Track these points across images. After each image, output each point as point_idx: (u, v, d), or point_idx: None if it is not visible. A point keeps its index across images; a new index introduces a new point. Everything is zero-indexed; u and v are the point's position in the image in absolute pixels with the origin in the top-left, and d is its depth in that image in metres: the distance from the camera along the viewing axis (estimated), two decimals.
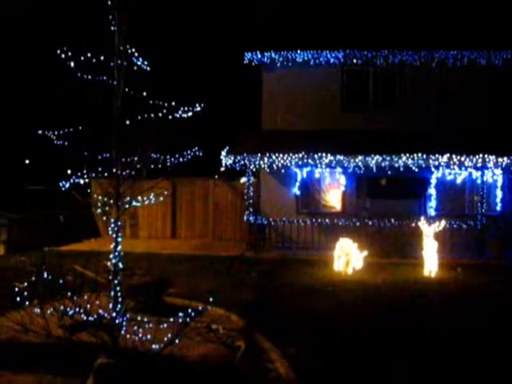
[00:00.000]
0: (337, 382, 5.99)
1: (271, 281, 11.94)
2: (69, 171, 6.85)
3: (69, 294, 6.04)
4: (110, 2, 6.79)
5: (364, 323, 8.46)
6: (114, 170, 6.84)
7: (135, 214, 19.71)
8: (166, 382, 5.41)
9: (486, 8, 17.72)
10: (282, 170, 16.44)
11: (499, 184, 17.07)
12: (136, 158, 6.92)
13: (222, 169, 16.03)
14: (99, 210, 6.91)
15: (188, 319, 5.82)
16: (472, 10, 17.62)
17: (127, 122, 6.97)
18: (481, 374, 6.29)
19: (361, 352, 6.96)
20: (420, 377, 6.17)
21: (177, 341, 5.78)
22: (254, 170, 16.59)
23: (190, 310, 5.81)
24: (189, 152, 7.48)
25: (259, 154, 15.57)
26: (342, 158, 15.38)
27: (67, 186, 6.84)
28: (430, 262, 12.65)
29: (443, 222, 13.12)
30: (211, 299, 6.24)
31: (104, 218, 7.16)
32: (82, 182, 6.89)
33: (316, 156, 15.34)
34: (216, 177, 18.49)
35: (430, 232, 12.82)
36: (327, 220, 16.50)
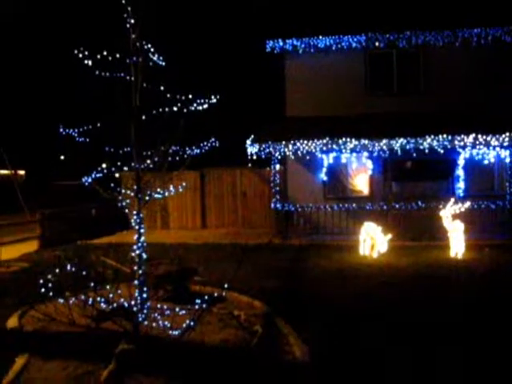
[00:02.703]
0: (352, 366, 6.11)
1: (298, 267, 12.10)
2: (89, 166, 7.12)
3: (92, 284, 6.30)
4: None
5: (380, 307, 8.56)
6: (133, 164, 7.07)
7: (166, 205, 20.06)
8: (184, 365, 5.63)
9: None
10: (308, 157, 16.50)
11: None
12: (155, 152, 7.14)
13: (250, 157, 16.13)
14: (123, 203, 7.16)
15: (205, 305, 6.02)
16: None
17: (146, 117, 7.18)
18: None
19: (377, 336, 7.08)
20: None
21: (195, 326, 5.99)
22: (280, 157, 16.67)
23: (206, 297, 6.01)
24: (205, 144, 7.63)
25: (284, 142, 15.64)
26: (366, 142, 15.33)
27: (89, 181, 7.09)
28: (456, 244, 12.63)
29: (467, 203, 13.10)
30: (226, 286, 6.40)
31: (126, 211, 7.43)
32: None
33: (340, 141, 15.34)
34: (249, 165, 18.65)
35: (447, 214, 12.78)
36: (354, 205, 16.54)
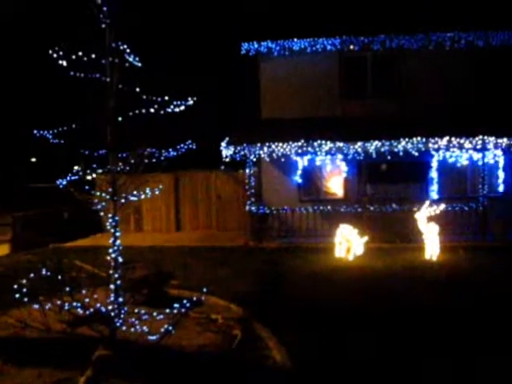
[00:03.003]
0: (332, 367, 6.09)
1: (273, 269, 12.05)
2: (64, 169, 6.99)
3: (67, 289, 6.17)
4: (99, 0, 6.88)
5: (359, 308, 8.57)
6: (109, 166, 6.96)
7: (139, 208, 19.87)
8: (163, 371, 5.54)
9: None
10: (283, 159, 16.47)
11: (501, 165, 17.03)
12: (131, 154, 7.04)
13: (223, 159, 16.06)
14: (99, 206, 7.05)
15: (183, 310, 5.94)
16: None
17: (122, 118, 7.07)
18: None
19: (356, 339, 7.08)
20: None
21: (173, 331, 5.91)
22: (255, 159, 16.63)
23: (185, 301, 5.93)
24: (182, 145, 7.54)
25: (259, 144, 15.58)
26: (341, 144, 15.36)
27: (64, 183, 6.96)
28: (431, 246, 12.73)
29: (442, 206, 13.23)
30: (205, 290, 6.32)
31: (102, 214, 7.31)
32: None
33: (315, 144, 15.35)
34: (222, 167, 18.52)
35: (422, 216, 12.89)
36: (329, 207, 16.57)
